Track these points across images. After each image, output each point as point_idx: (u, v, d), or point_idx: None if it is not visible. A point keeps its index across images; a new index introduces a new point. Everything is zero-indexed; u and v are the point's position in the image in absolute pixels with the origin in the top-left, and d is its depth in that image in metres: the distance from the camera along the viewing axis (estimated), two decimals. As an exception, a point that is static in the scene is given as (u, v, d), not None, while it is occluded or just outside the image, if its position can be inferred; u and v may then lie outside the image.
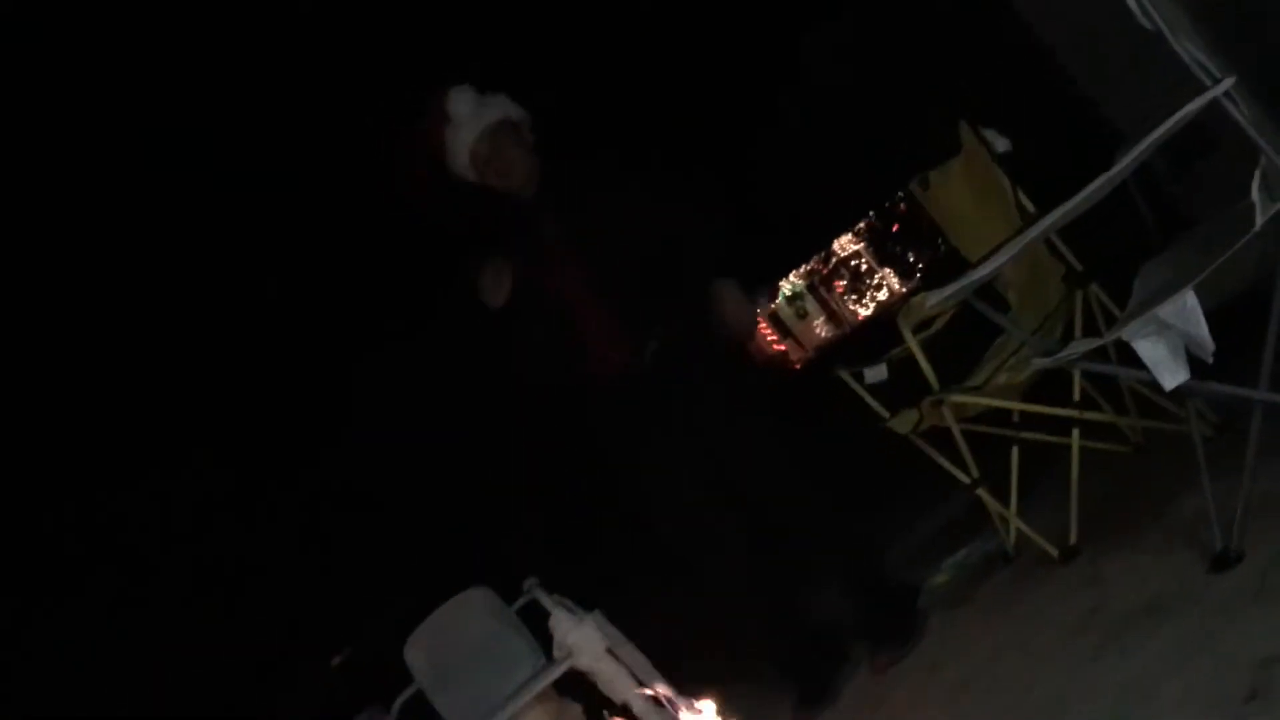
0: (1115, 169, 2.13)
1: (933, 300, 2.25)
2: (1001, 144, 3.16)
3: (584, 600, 3.52)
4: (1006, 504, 3.17)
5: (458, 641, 3.61)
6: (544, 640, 3.43)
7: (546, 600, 3.42)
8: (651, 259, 3.14)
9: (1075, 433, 3.02)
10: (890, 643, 3.12)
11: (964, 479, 3.18)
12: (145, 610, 7.11)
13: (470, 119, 3.15)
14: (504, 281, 3.13)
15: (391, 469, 8.13)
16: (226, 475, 7.66)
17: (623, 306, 3.14)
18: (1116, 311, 3.01)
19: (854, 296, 17.41)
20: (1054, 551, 2.93)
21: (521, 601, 3.62)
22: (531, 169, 3.19)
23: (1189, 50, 1.96)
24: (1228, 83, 1.91)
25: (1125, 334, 2.12)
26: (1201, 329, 2.05)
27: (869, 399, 3.39)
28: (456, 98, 3.16)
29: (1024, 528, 3.07)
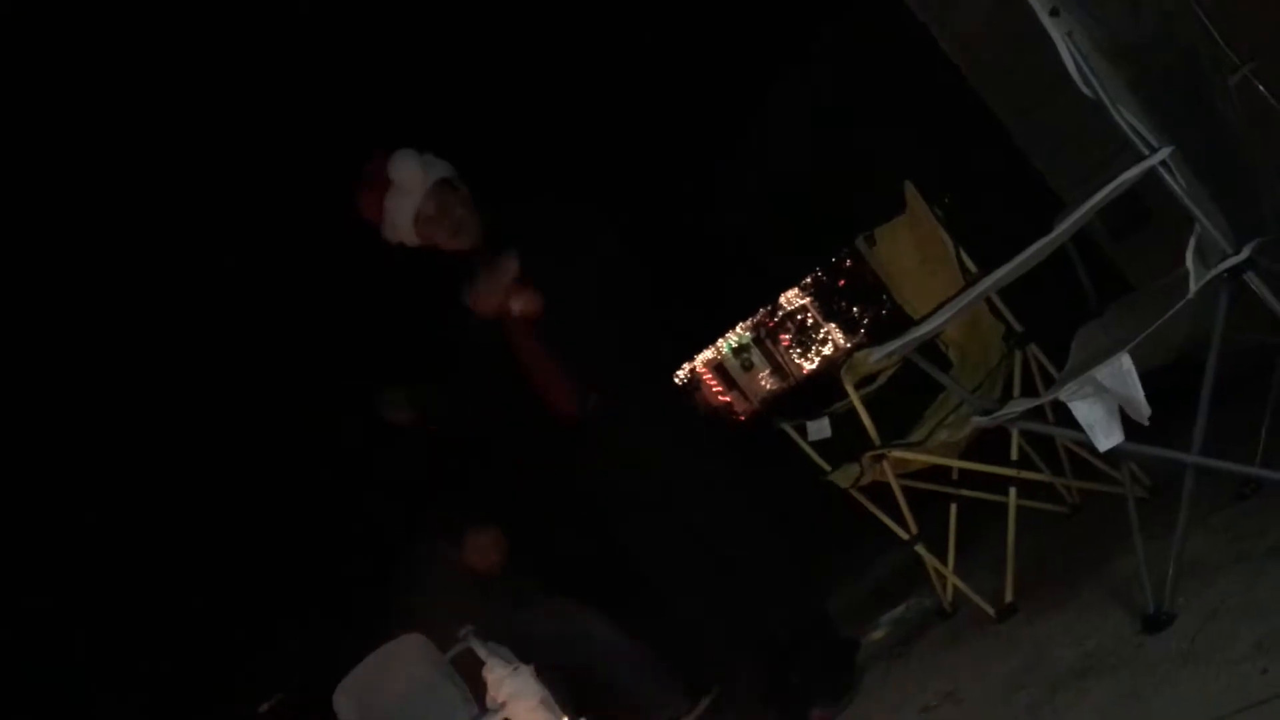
0: (1055, 233, 2.17)
1: (876, 356, 2.27)
2: (936, 212, 3.22)
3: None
4: (944, 561, 3.18)
5: (389, 689, 3.53)
6: (478, 690, 3.37)
7: (481, 649, 3.36)
8: (587, 305, 3.14)
9: (1012, 492, 3.05)
10: (826, 697, 3.11)
11: (903, 534, 3.19)
12: (69, 651, 6.91)
13: (415, 182, 3.15)
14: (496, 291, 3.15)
15: (324, 507, 8.01)
16: (155, 509, 7.49)
17: (561, 358, 3.16)
18: (1054, 372, 3.05)
19: (799, 350, 17.55)
20: (990, 609, 2.94)
21: (456, 649, 3.55)
22: (474, 224, 3.21)
23: (1127, 119, 2.01)
24: (1165, 152, 1.96)
25: (1062, 395, 2.15)
26: (1137, 392, 2.08)
27: (811, 453, 3.40)
28: (398, 161, 3.15)
29: (961, 585, 3.08)
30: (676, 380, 3.72)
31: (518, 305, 3.11)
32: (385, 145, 3.25)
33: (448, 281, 3.28)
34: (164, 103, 5.55)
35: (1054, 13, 2.01)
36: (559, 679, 4.09)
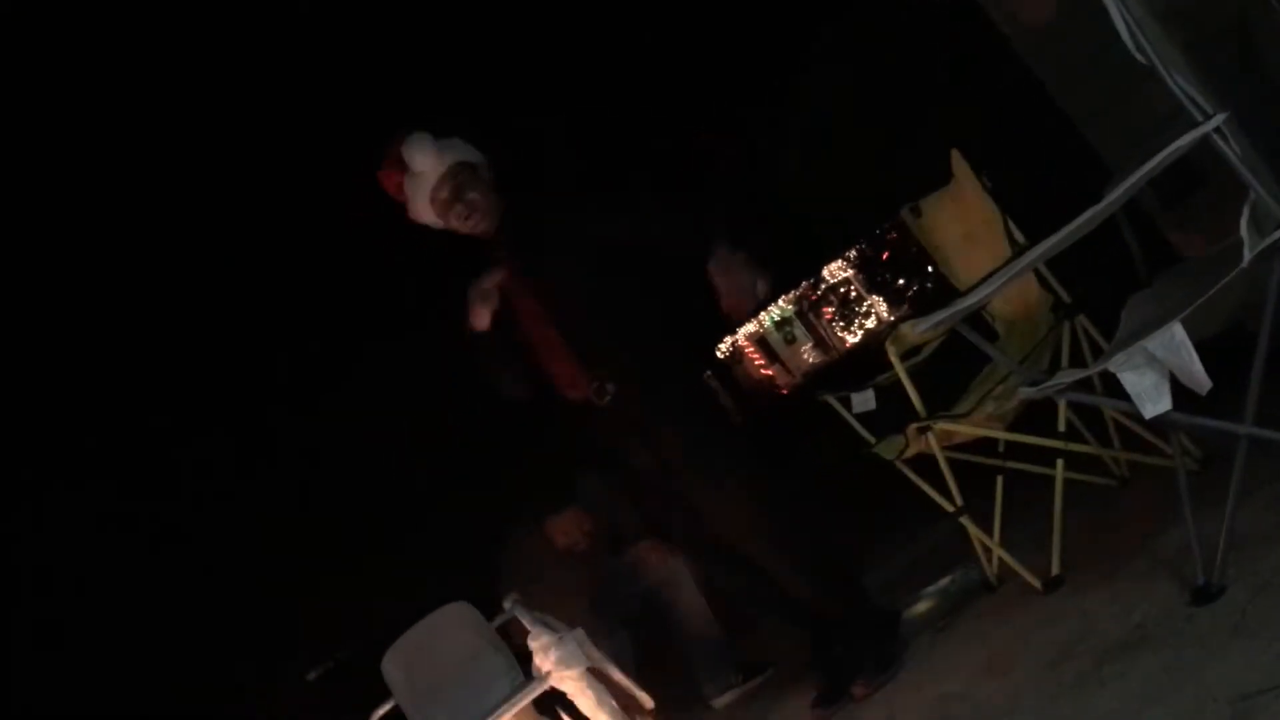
0: (1104, 202, 2.14)
1: (921, 327, 2.26)
2: (984, 181, 3.18)
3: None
4: (990, 533, 3.17)
5: (436, 657, 3.59)
6: (524, 657, 3.42)
7: (527, 617, 3.41)
8: (605, 291, 3.13)
9: (1060, 464, 3.03)
10: (869, 671, 3.11)
11: (948, 507, 3.18)
12: (120, 620, 7.04)
13: (429, 165, 3.15)
14: (490, 303, 3.14)
15: (373, 480, 8.10)
16: (202, 484, 7.61)
17: (578, 347, 3.14)
18: (1103, 343, 3.02)
19: (842, 323, 17.41)
20: (1036, 582, 2.93)
21: (502, 618, 3.60)
22: (493, 208, 3.20)
23: (1181, 85, 1.98)
24: (1219, 118, 1.93)
25: (1111, 365, 2.13)
26: (1193, 362, 2.06)
27: (856, 424, 3.40)
28: (412, 145, 3.15)
29: (1007, 557, 3.07)
30: (700, 373, 3.71)
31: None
32: (412, 121, 3.26)
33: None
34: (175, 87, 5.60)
35: (1106, -23, 1.98)
36: (629, 628, 4.14)
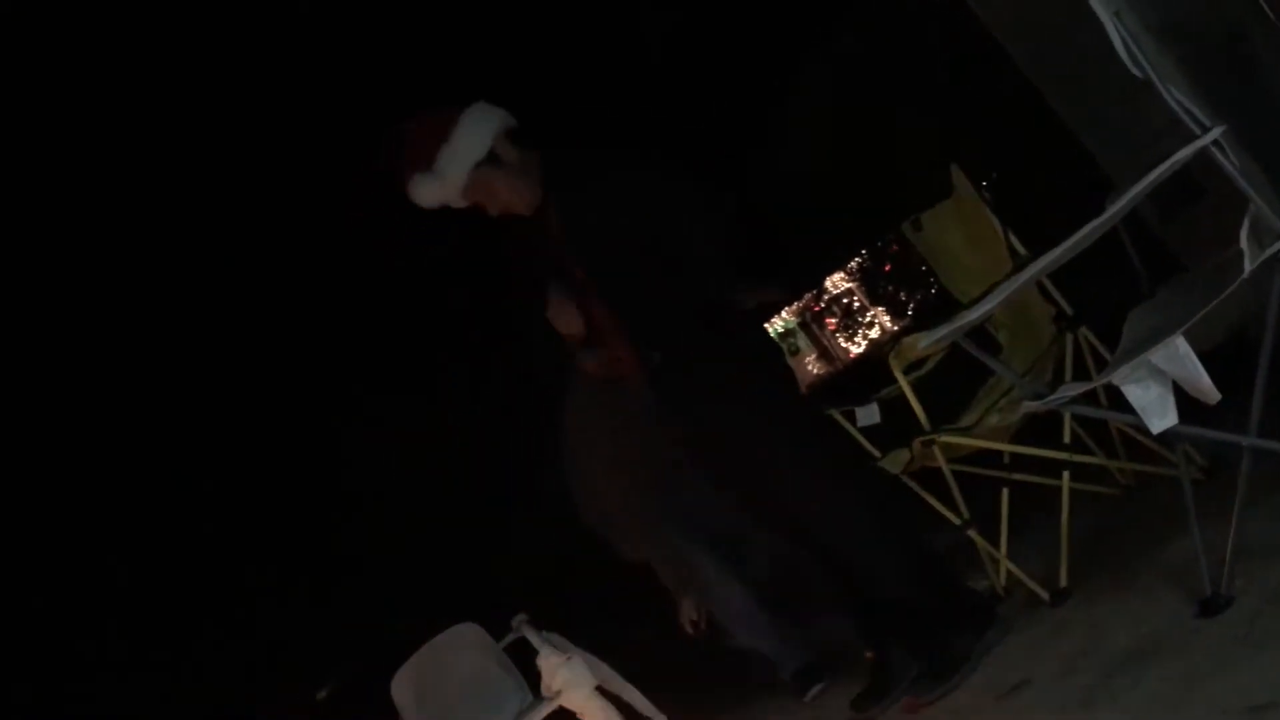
0: (1105, 216, 2.15)
1: (924, 342, 2.26)
2: (984, 194, 3.20)
3: (576, 634, 3.50)
4: (997, 545, 3.17)
5: (445, 677, 3.58)
6: (533, 678, 3.41)
7: (535, 637, 3.40)
8: (652, 257, 2.92)
9: (1065, 475, 3.03)
10: (926, 680, 2.89)
11: (955, 519, 3.18)
12: (129, 640, 7.05)
13: (441, 198, 2.95)
14: (570, 310, 3.04)
15: (380, 500, 8.10)
16: (213, 503, 7.62)
17: (624, 313, 2.98)
18: (1107, 355, 3.03)
19: (846, 334, 17.46)
20: (1044, 593, 2.93)
21: (510, 638, 3.59)
22: (525, 190, 2.98)
23: (1178, 98, 1.99)
24: (1216, 132, 1.94)
25: (1115, 378, 2.14)
26: (1199, 374, 2.06)
27: (860, 439, 3.40)
28: (419, 189, 2.94)
29: (1014, 569, 3.07)
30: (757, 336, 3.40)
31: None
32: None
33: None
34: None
35: (1102, -7, 1.99)
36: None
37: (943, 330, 2.19)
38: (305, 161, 6.32)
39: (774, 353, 3.32)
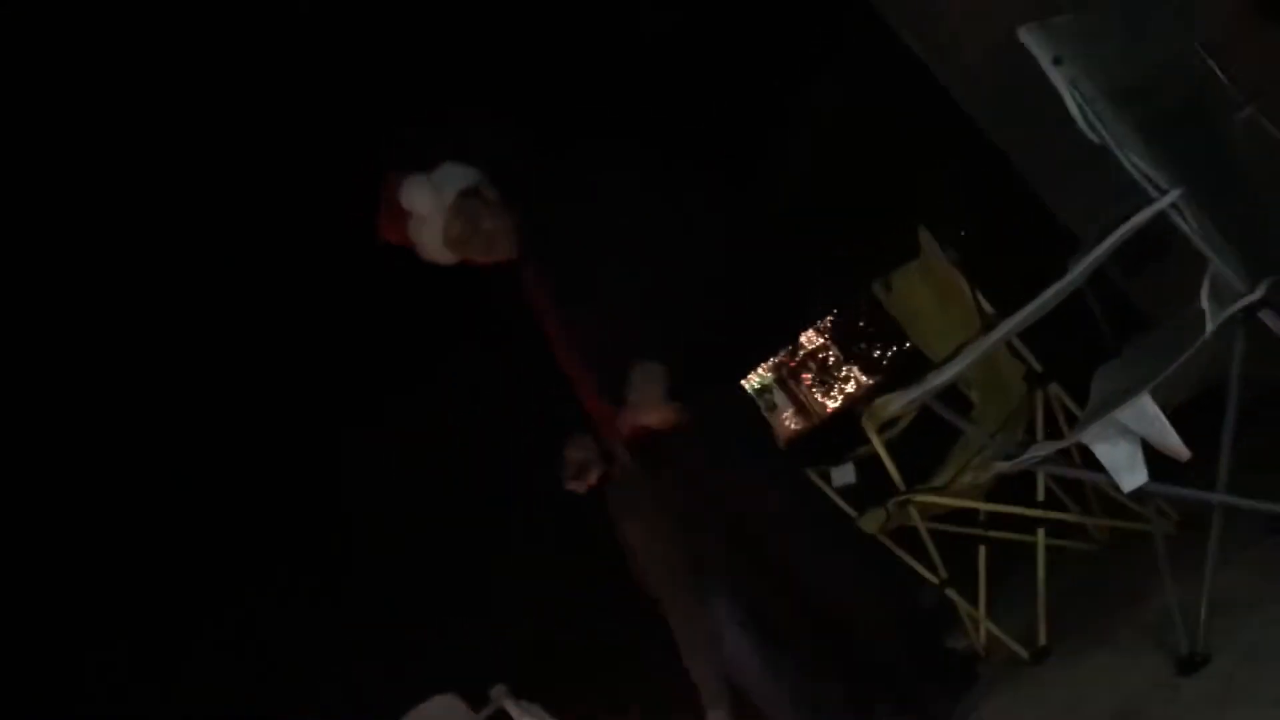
0: (1067, 278, 2.17)
1: (894, 406, 2.28)
2: (950, 255, 3.23)
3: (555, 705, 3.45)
4: (975, 604, 3.17)
5: (424, 752, 3.52)
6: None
7: (514, 709, 3.36)
8: (633, 304, 2.83)
9: (1040, 533, 3.04)
10: None
11: (933, 579, 3.18)
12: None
13: (431, 206, 2.93)
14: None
15: (361, 568, 8.00)
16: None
17: (600, 371, 2.90)
18: (1077, 410, 3.05)
19: (822, 389, 17.52)
20: (1024, 652, 2.92)
21: (488, 710, 3.54)
22: (507, 230, 2.97)
23: (1135, 162, 2.02)
24: (1173, 195, 1.97)
25: (1084, 438, 2.15)
26: (1167, 433, 2.08)
27: (837, 499, 3.39)
28: (411, 191, 2.94)
29: (994, 629, 3.06)
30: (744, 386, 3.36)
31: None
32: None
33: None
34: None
35: (1057, 61, 2.03)
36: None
37: (912, 393, 2.20)
38: (304, 161, 6.28)
39: (756, 411, 3.31)
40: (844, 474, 3.39)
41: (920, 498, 3.10)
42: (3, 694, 6.19)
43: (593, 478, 3.04)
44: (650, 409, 2.74)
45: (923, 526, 3.14)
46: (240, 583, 7.44)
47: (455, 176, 2.96)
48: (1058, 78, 2.02)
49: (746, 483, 2.85)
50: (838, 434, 3.27)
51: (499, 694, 3.49)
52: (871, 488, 3.30)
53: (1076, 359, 2.90)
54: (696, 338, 2.77)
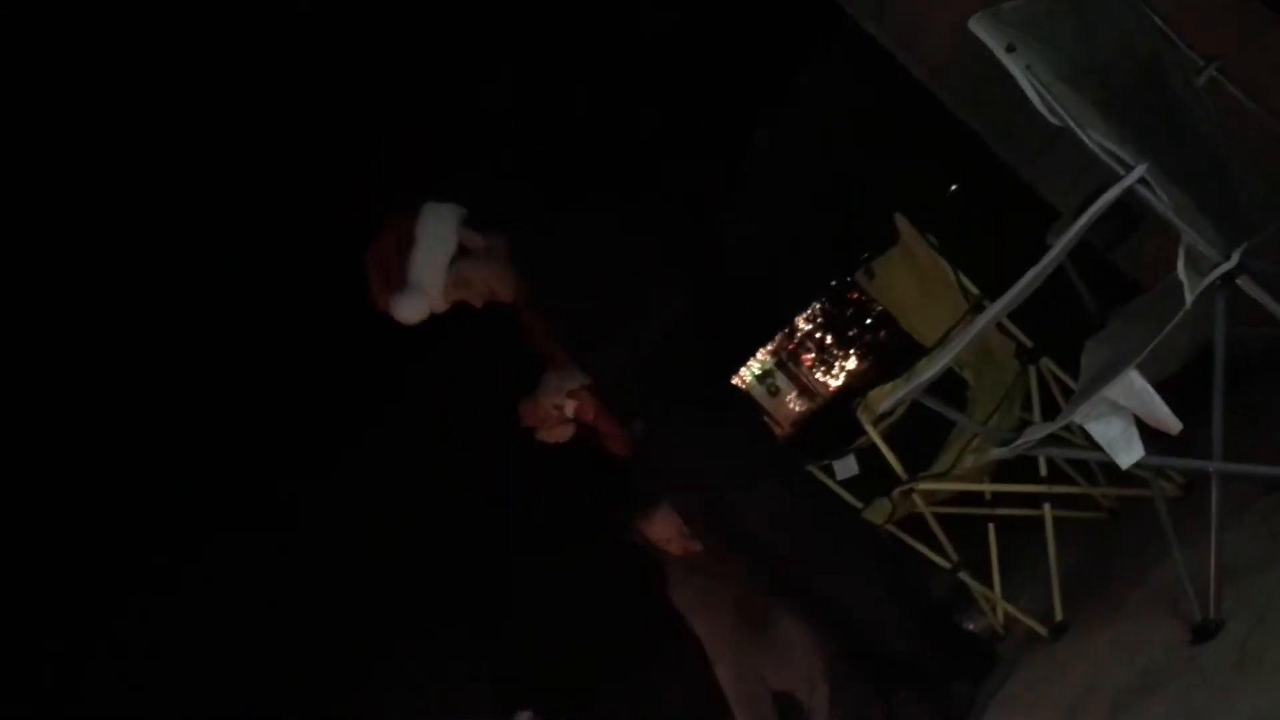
0: (1049, 256, 2.16)
1: (884, 405, 2.28)
2: (930, 240, 3.23)
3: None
4: (989, 585, 3.17)
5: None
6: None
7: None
8: (618, 313, 2.84)
9: (1047, 508, 3.04)
10: None
11: (944, 564, 3.18)
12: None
13: (427, 277, 2.90)
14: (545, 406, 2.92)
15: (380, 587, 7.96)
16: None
17: (602, 384, 2.91)
18: (1070, 383, 3.05)
19: (823, 368, 17.49)
20: (1041, 629, 2.92)
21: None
22: (500, 272, 2.96)
23: (1098, 141, 2.02)
24: (1139, 170, 1.97)
25: (1077, 417, 2.15)
26: (1159, 407, 2.08)
27: (841, 492, 3.40)
28: (402, 306, 2.91)
29: (1010, 609, 3.07)
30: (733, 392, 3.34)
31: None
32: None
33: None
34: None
35: (1010, 49, 2.03)
36: None
37: (902, 391, 2.20)
38: (303, 160, 6.24)
39: (752, 408, 3.32)
40: (846, 467, 3.40)
41: (923, 485, 3.10)
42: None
43: (565, 427, 2.96)
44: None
45: (929, 513, 3.14)
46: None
47: (438, 232, 2.92)
48: (1012, 65, 2.02)
49: (742, 491, 2.87)
50: (843, 413, 3.23)
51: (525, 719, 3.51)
52: (876, 475, 3.30)
53: (1066, 331, 2.90)
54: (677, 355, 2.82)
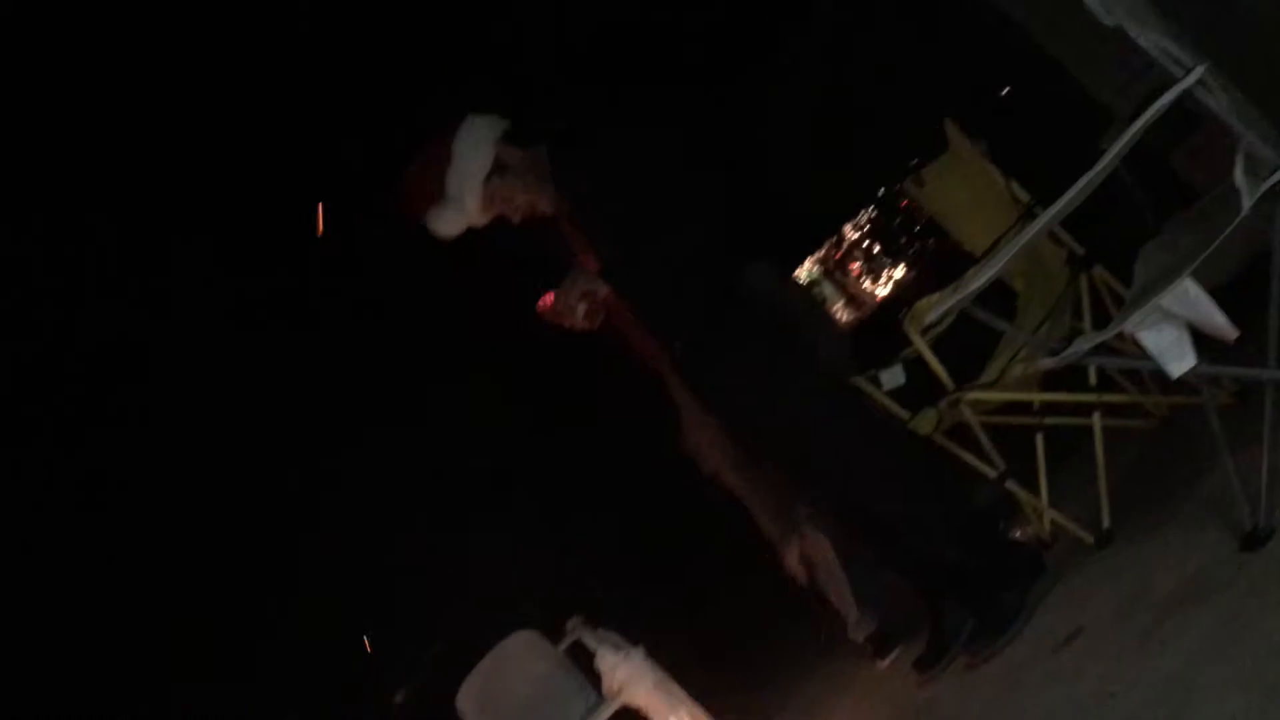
0: (1102, 162, 2.13)
1: (932, 315, 2.26)
2: (980, 146, 3.17)
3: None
4: (1036, 493, 3.16)
5: (509, 687, 3.63)
6: (594, 678, 3.45)
7: (590, 638, 3.44)
8: (655, 229, 2.86)
9: (1096, 417, 3.01)
10: (979, 639, 2.89)
11: (990, 473, 3.17)
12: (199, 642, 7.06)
13: (464, 191, 2.91)
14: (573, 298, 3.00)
15: (440, 506, 8.09)
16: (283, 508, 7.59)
17: (640, 302, 2.97)
18: (1123, 291, 3.00)
19: (871, 277, 17.30)
20: (1089, 537, 2.92)
21: (567, 641, 3.64)
22: (539, 188, 2.95)
23: (1156, 42, 1.96)
24: (1198, 72, 1.91)
25: (1129, 326, 2.12)
26: (1214, 314, 2.05)
27: (888, 402, 3.39)
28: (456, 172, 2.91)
29: (1058, 517, 3.06)
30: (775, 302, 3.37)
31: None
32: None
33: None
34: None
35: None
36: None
37: (950, 300, 2.19)
38: (302, 159, 6.26)
39: (793, 322, 3.30)
40: (894, 376, 3.37)
41: (971, 395, 3.08)
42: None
43: (592, 314, 3.03)
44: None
45: (976, 423, 3.12)
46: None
47: (471, 171, 2.93)
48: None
49: (779, 402, 2.88)
50: (892, 322, 3.21)
51: (574, 625, 3.58)
52: (924, 385, 3.28)
53: (1119, 238, 2.85)
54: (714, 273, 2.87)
